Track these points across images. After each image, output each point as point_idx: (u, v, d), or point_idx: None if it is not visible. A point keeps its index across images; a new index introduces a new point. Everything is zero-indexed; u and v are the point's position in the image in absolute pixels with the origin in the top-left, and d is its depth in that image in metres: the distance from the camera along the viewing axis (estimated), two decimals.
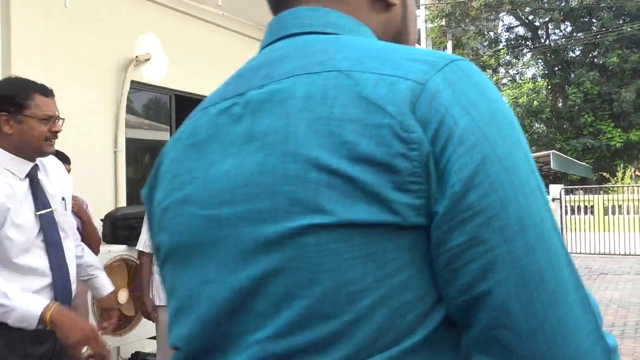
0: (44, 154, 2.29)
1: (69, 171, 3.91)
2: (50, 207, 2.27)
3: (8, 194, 2.17)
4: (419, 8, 32.35)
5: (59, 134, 2.30)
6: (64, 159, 3.89)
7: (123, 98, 5.01)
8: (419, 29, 30.22)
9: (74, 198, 3.21)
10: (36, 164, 2.28)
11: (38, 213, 2.22)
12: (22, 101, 2.22)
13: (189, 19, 5.84)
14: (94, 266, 2.67)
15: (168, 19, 5.61)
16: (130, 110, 5.27)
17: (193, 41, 5.91)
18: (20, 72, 4.26)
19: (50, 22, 4.50)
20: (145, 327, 4.32)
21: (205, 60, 6.05)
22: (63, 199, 2.35)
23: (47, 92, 2.30)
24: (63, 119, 2.34)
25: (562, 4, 23.10)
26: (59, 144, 3.98)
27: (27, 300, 2.11)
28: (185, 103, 5.98)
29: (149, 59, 5.21)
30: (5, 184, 2.18)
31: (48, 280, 2.22)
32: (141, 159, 5.82)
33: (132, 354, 4.80)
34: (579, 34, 23.98)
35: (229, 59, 6.39)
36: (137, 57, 5.13)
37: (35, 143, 2.23)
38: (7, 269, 2.16)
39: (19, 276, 2.17)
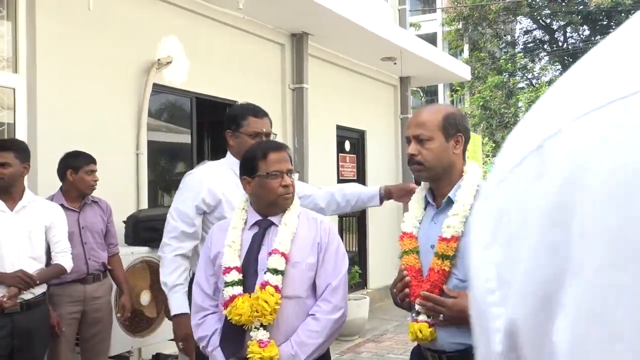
0: None
1: (94, 172, 3.95)
2: None
3: (226, 187, 2.87)
4: (436, 11, 32.25)
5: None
6: (90, 159, 3.92)
7: (145, 101, 5.04)
8: (435, 32, 30.14)
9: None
10: None
11: None
12: (239, 121, 2.96)
13: (210, 22, 5.87)
14: None
15: (189, 22, 5.63)
16: (151, 113, 5.30)
17: (214, 44, 5.94)
18: (45, 74, 4.32)
19: (74, 25, 4.54)
20: (167, 329, 4.33)
21: (225, 64, 6.07)
22: None
23: (258, 114, 3.00)
24: (275, 134, 3.09)
25: (581, 7, 22.93)
26: (84, 146, 4.02)
27: None
28: (206, 106, 6.01)
29: (170, 62, 5.24)
30: (227, 179, 2.89)
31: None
32: (162, 162, 5.84)
33: (153, 356, 4.81)
34: (597, 38, 23.77)
35: (249, 62, 6.41)
36: (159, 60, 5.16)
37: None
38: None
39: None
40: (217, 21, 5.93)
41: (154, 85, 5.15)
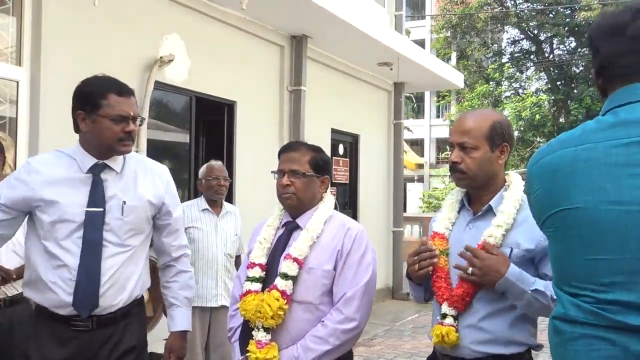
0: (118, 154, 2.34)
1: None
2: (102, 208, 2.28)
3: (47, 179, 2.26)
4: (424, 18, 32.43)
5: (133, 135, 2.35)
6: None
7: (147, 98, 5.01)
8: (423, 39, 30.32)
9: None
10: (104, 163, 2.32)
11: (86, 209, 2.26)
12: (97, 100, 2.27)
13: (213, 22, 5.85)
14: (176, 299, 2.62)
15: (192, 21, 5.61)
16: (151, 110, 5.26)
17: (215, 44, 5.92)
18: (48, 67, 4.27)
19: (79, 20, 4.50)
20: (163, 329, 4.30)
21: (226, 63, 6.06)
22: (124, 202, 2.33)
23: (122, 92, 2.32)
24: (142, 118, 2.42)
25: (568, 20, 23.19)
26: None
27: None
28: (206, 105, 5.98)
29: (172, 60, 5.21)
30: (60, 173, 2.29)
31: (70, 276, 2.23)
32: (160, 160, 5.80)
33: (150, 354, 4.77)
34: (583, 50, 24.06)
35: (249, 63, 6.40)
36: (161, 57, 5.13)
37: (108, 143, 2.29)
38: (41, 252, 2.27)
39: (49, 262, 2.25)
40: (219, 21, 5.91)
41: (155, 82, 5.12)
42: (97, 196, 2.28)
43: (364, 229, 2.42)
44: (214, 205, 4.19)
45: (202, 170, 4.28)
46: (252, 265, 2.37)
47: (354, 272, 2.29)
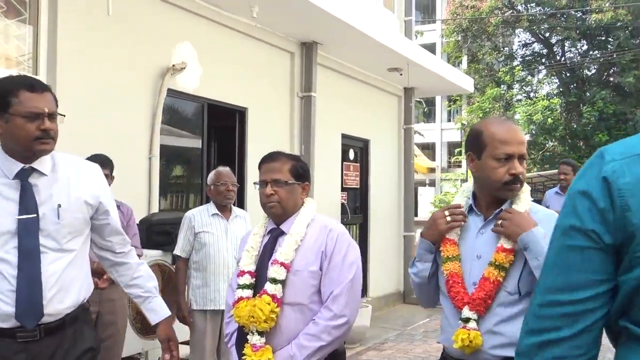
0: (36, 154, 2.16)
1: (107, 176, 3.95)
2: (35, 214, 2.14)
3: None
4: (435, 22, 32.45)
5: (51, 133, 2.15)
6: (102, 164, 3.94)
7: (159, 105, 5.10)
8: (434, 43, 30.31)
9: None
10: (31, 167, 2.17)
11: (18, 217, 2.12)
12: (7, 98, 2.12)
13: (224, 29, 5.94)
14: (148, 291, 2.51)
15: (204, 29, 5.70)
16: (164, 117, 5.35)
17: (226, 51, 6.00)
18: (65, 76, 4.37)
19: (93, 29, 4.60)
20: (177, 332, 4.35)
21: (237, 70, 6.14)
22: (59, 205, 2.18)
23: (34, 88, 2.15)
24: (59, 115, 2.22)
25: (579, 23, 23.11)
26: (97, 147, 4.04)
27: None
28: (218, 112, 6.06)
29: (184, 68, 5.30)
30: None
31: (11, 287, 2.09)
32: (173, 166, 5.89)
33: (158, 358, 4.83)
34: (594, 53, 23.97)
35: (260, 70, 6.48)
36: (173, 65, 5.22)
37: (24, 143, 2.13)
38: None
39: None
40: (230, 28, 5.99)
41: (168, 90, 5.21)
42: (28, 202, 2.15)
43: (345, 230, 2.53)
44: (224, 210, 4.25)
45: (210, 176, 4.34)
46: (242, 273, 2.47)
47: (338, 271, 2.41)
